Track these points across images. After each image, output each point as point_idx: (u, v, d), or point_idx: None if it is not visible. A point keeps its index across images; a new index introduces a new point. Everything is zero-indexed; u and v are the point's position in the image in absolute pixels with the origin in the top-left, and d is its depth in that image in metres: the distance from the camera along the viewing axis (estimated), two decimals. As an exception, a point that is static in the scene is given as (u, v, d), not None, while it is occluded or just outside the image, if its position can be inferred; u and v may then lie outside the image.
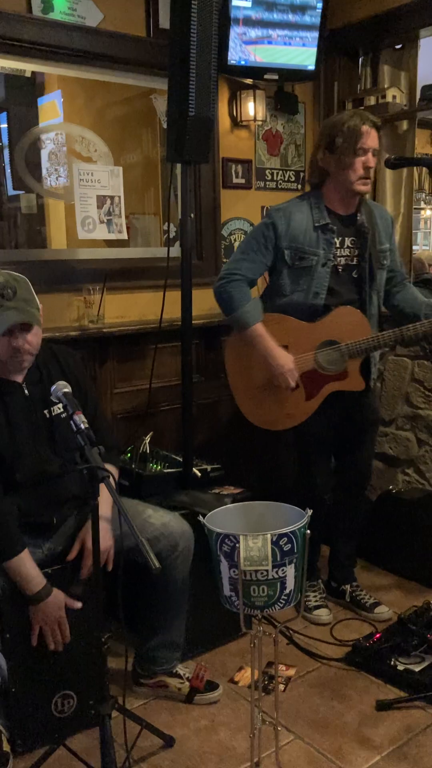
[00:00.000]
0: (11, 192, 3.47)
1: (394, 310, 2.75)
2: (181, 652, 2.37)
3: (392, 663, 2.40)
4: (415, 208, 4.37)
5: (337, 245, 2.54)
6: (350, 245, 2.57)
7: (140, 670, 2.36)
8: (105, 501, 1.90)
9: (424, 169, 6.79)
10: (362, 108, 3.36)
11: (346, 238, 2.56)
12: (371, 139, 2.44)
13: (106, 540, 2.04)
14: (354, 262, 2.58)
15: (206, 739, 2.15)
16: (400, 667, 2.37)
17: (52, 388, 1.89)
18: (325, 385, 2.59)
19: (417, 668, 2.36)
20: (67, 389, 1.86)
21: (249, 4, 3.02)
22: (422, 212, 8.37)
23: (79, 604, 2.05)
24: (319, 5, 3.15)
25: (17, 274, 2.00)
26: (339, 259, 2.55)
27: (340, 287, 2.56)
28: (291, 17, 3.12)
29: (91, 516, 1.75)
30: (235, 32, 3.03)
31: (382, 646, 2.46)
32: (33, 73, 3.24)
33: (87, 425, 1.75)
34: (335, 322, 2.54)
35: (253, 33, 3.07)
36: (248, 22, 3.04)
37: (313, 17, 3.16)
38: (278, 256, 2.55)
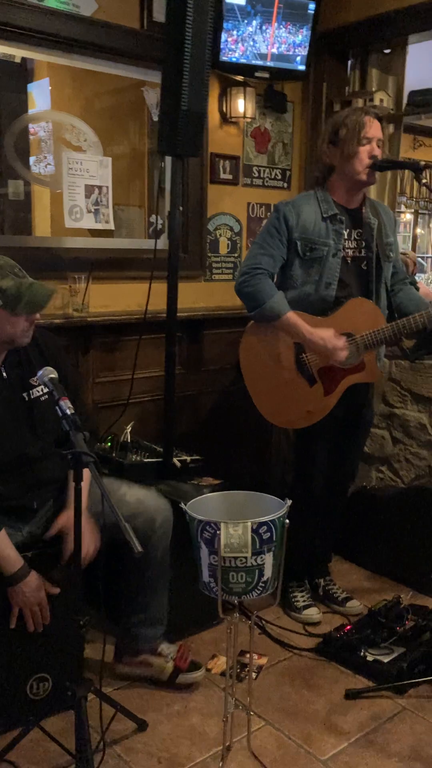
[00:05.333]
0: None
1: (396, 309, 2.71)
2: (164, 628, 2.37)
3: (362, 654, 2.45)
4: (396, 212, 4.45)
5: (346, 236, 2.55)
6: (357, 237, 2.58)
7: (123, 648, 2.36)
8: (83, 481, 1.90)
9: (406, 172, 6.87)
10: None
11: (353, 230, 2.58)
12: (374, 129, 2.47)
13: (95, 541, 2.08)
14: (362, 254, 2.59)
15: (178, 724, 2.18)
16: (370, 658, 2.43)
17: (38, 373, 1.91)
18: (342, 379, 2.57)
19: (385, 659, 2.42)
20: (53, 375, 1.88)
21: (243, 3, 3.06)
22: (402, 215, 8.48)
23: (56, 590, 2.07)
24: (312, 6, 3.19)
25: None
26: (347, 250, 2.56)
27: (350, 278, 2.57)
28: (284, 16, 3.16)
29: (75, 500, 1.77)
30: (228, 28, 3.06)
31: (352, 638, 2.52)
32: (23, 59, 3.24)
33: (73, 411, 1.78)
34: (349, 314, 2.54)
35: (246, 29, 3.11)
36: (241, 18, 3.07)
37: (306, 18, 3.20)
38: (290, 248, 2.55)
